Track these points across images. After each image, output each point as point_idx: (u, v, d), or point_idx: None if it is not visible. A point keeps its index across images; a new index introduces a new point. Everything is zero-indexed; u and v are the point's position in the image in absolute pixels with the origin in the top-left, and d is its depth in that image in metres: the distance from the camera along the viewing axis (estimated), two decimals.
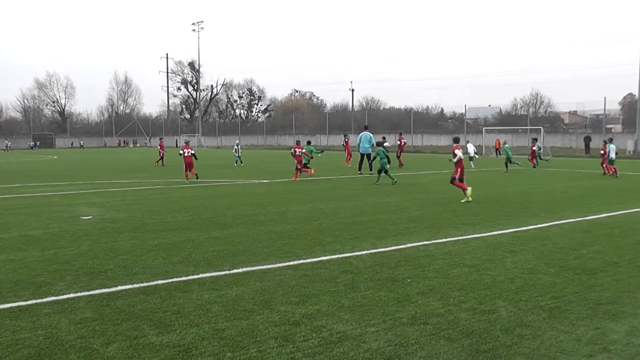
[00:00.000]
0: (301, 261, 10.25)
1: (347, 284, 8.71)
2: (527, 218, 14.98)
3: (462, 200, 18.90)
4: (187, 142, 30.37)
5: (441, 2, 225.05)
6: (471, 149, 39.11)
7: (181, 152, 29.16)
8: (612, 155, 29.44)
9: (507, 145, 34.46)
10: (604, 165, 30.10)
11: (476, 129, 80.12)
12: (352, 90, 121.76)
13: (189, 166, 28.44)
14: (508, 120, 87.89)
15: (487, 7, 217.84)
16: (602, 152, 30.39)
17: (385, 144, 27.14)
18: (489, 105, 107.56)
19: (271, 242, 12.09)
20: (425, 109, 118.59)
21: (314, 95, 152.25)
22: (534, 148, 36.41)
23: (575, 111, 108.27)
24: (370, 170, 31.72)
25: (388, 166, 25.99)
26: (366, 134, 33.73)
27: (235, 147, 42.57)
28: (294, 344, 6.31)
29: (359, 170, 32.56)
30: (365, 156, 33.16)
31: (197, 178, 28.35)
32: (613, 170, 29.08)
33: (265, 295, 8.15)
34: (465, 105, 75.84)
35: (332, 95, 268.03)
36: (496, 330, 6.63)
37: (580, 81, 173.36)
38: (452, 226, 13.86)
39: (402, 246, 11.50)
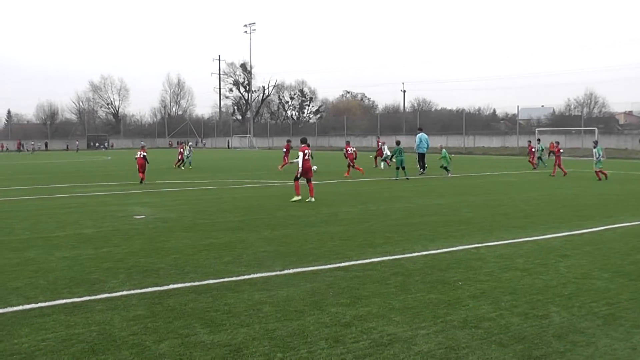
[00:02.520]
0: (352, 262, 10.26)
1: (398, 286, 8.69)
2: (580, 221, 14.73)
3: (294, 200, 19.79)
4: (142, 146, 31.38)
5: (494, 2, 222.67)
6: (386, 150, 39.93)
7: (136, 155, 30.03)
8: None
9: (444, 150, 33.57)
10: None
11: (529, 130, 78.91)
12: (404, 91, 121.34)
13: (141, 167, 29.13)
14: (561, 121, 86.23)
15: (541, 6, 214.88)
16: None
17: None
18: (542, 106, 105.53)
19: (322, 243, 12.13)
20: (477, 110, 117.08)
21: (365, 97, 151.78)
22: (533, 150, 35.68)
23: (631, 111, 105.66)
24: (421, 170, 32.96)
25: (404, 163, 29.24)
26: (423, 134, 34.46)
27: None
28: (344, 345, 6.32)
29: (422, 169, 33.30)
30: (421, 156, 33.88)
31: (141, 182, 28.38)
32: None
33: (315, 296, 8.18)
34: (518, 106, 75.00)
35: (383, 97, 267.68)
36: (549, 336, 6.54)
37: (637, 80, 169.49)
38: (503, 229, 13.71)
39: (453, 248, 11.43)
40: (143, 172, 29.20)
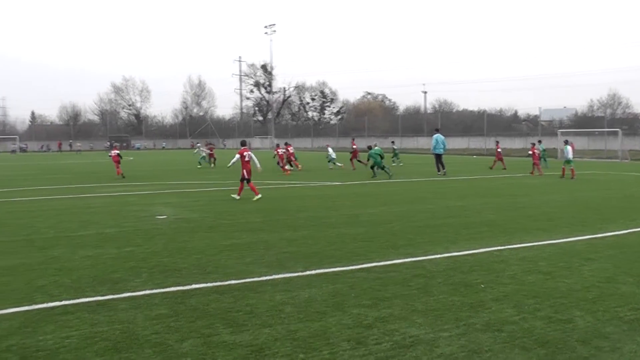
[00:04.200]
0: (374, 264, 10.25)
1: (420, 288, 8.67)
2: (603, 224, 14.59)
3: (233, 197, 21.05)
4: (115, 145, 36.63)
5: (516, 2, 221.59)
6: (331, 151, 41.82)
7: (110, 153, 35.02)
8: None
9: (377, 148, 33.98)
10: None
11: (551, 131, 78.44)
12: (425, 92, 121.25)
13: (117, 162, 33.92)
14: (584, 122, 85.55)
15: (563, 6, 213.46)
16: None
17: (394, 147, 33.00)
18: (565, 107, 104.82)
19: (343, 244, 12.12)
20: (499, 111, 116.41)
21: (386, 98, 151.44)
22: (535, 151, 35.62)
23: None
24: (442, 169, 33.51)
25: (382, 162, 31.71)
26: (439, 135, 34.61)
27: (198, 149, 46.66)
28: (366, 346, 6.32)
29: (441, 170, 33.70)
30: (438, 157, 34.17)
31: (122, 177, 32.93)
32: None
33: (337, 298, 8.18)
34: (540, 107, 74.49)
35: (404, 98, 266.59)
36: (573, 341, 6.48)
37: None
38: (526, 231, 13.62)
39: (476, 251, 11.37)
40: (118, 167, 33.88)
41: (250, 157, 21.33)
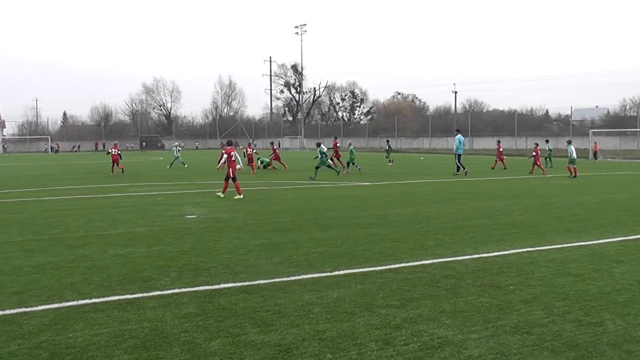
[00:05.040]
0: (402, 264, 10.22)
1: (449, 289, 8.63)
2: (635, 226, 14.40)
3: (218, 195, 21.93)
4: (115, 144, 38.85)
5: (548, 1, 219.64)
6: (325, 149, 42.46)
7: (109, 150, 37.95)
8: None
9: (352, 147, 36.55)
10: None
11: (582, 131, 77.71)
12: (455, 92, 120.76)
13: (115, 162, 36.99)
14: (616, 121, 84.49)
15: (594, 5, 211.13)
16: None
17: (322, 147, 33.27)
18: (596, 107, 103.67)
19: (372, 244, 12.11)
20: (530, 111, 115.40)
21: (416, 98, 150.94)
22: (537, 152, 35.74)
23: None
24: (461, 170, 34.00)
25: (326, 164, 32.45)
26: (460, 136, 35.05)
27: (174, 147, 48.07)
28: (394, 347, 6.31)
29: (458, 171, 34.15)
30: (459, 157, 34.56)
31: (122, 172, 36.75)
32: None
33: (366, 298, 8.17)
34: (571, 107, 73.94)
35: (434, 98, 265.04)
36: (603, 345, 6.40)
37: None
38: (556, 233, 13.50)
39: (505, 252, 11.30)
40: (118, 164, 37.19)
41: (236, 157, 22.09)
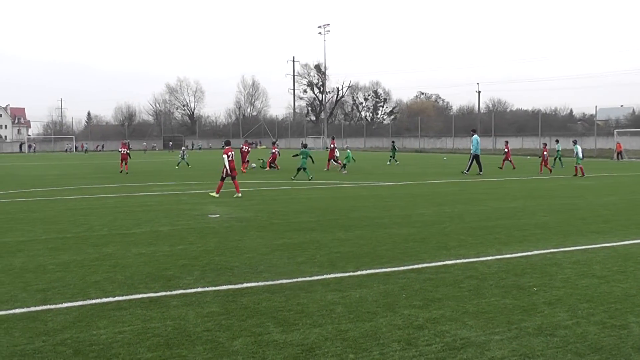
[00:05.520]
0: (425, 265, 10.19)
1: (472, 290, 8.60)
2: None
3: (212, 195, 22.22)
4: (125, 143, 40.12)
5: (572, 1, 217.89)
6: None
7: (120, 149, 38.79)
8: None
9: (349, 150, 37.94)
10: None
11: (607, 131, 76.98)
12: (479, 92, 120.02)
13: (124, 160, 37.89)
14: None
15: (619, 3, 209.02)
16: None
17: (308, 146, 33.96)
18: (621, 106, 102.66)
19: (395, 244, 12.08)
20: (554, 111, 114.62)
21: (440, 98, 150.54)
22: (545, 152, 35.79)
23: None
24: (471, 169, 34.81)
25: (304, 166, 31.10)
26: (476, 136, 35.62)
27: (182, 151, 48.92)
28: (417, 348, 6.29)
29: (467, 170, 34.83)
30: (475, 157, 35.01)
31: (126, 173, 36.90)
32: None
33: (388, 298, 8.16)
34: (596, 106, 73.18)
35: (457, 97, 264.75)
36: (627, 347, 6.33)
37: None
38: (580, 234, 13.39)
39: (529, 253, 11.22)
40: (126, 164, 37.94)
41: (233, 157, 22.38)
